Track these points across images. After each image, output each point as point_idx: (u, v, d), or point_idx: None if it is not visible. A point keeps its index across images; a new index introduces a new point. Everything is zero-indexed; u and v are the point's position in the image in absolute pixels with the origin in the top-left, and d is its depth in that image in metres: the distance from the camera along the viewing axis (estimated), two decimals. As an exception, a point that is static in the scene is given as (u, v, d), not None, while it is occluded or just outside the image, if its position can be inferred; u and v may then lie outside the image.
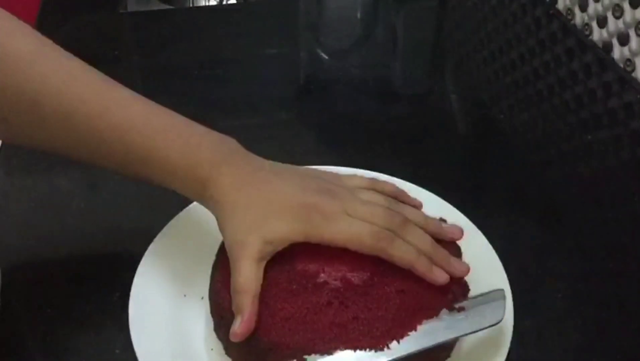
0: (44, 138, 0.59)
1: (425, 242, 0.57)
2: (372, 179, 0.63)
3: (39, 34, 0.59)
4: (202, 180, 0.57)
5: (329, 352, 0.52)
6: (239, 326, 0.52)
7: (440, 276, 0.56)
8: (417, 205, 0.63)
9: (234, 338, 0.53)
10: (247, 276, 0.53)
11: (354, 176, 0.63)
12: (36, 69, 0.57)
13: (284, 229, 0.55)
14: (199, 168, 0.57)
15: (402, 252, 0.56)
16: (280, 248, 0.55)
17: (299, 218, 0.55)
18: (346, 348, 0.52)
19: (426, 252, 0.57)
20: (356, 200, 0.58)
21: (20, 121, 0.58)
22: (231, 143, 0.59)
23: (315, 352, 0.52)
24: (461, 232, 0.62)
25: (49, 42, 0.59)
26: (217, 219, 0.57)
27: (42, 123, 0.57)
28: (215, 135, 0.59)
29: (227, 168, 0.57)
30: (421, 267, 0.55)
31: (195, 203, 0.68)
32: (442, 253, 0.58)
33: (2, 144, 0.81)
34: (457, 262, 0.58)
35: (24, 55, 0.57)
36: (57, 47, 0.59)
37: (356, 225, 0.56)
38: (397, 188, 0.63)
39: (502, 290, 0.57)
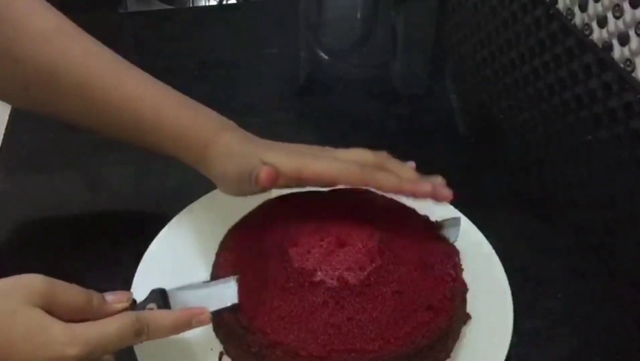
0: (61, 107, 0.64)
1: (410, 173, 0.61)
2: None
3: (57, 12, 0.63)
4: (205, 140, 0.62)
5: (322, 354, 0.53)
6: (267, 171, 0.57)
7: (425, 186, 0.59)
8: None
9: (259, 181, 0.57)
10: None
11: None
12: (55, 44, 0.61)
13: (279, 158, 0.59)
14: (204, 132, 0.62)
15: (387, 178, 0.60)
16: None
17: (293, 153, 0.60)
18: (339, 348, 0.52)
19: (410, 180, 0.61)
20: (343, 150, 0.62)
21: (39, 91, 0.62)
22: (231, 122, 0.65)
23: (309, 352, 0.52)
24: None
25: (67, 19, 0.64)
26: (212, 169, 0.61)
27: (60, 93, 0.62)
28: (217, 113, 0.65)
29: (228, 132, 0.63)
30: (406, 185, 0.60)
31: (194, 203, 0.68)
32: (426, 180, 0.61)
33: (2, 144, 0.81)
34: (442, 187, 0.61)
35: (45, 31, 0.62)
36: (75, 25, 0.64)
37: (343, 162, 0.60)
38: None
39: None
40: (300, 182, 0.60)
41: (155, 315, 0.52)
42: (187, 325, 0.52)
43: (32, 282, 0.47)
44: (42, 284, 0.47)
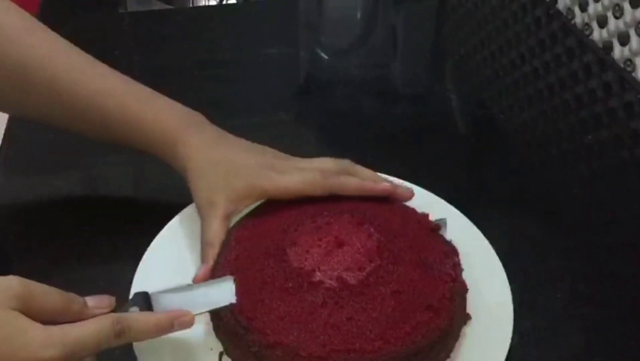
0: (31, 103, 0.65)
1: (370, 174, 0.65)
2: None
3: (25, 12, 0.65)
4: (173, 140, 0.64)
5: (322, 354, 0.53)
6: (201, 273, 0.59)
7: (385, 184, 0.64)
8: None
9: (195, 281, 0.59)
10: (215, 233, 0.61)
11: None
12: (26, 41, 0.63)
13: (244, 187, 0.62)
14: (171, 130, 0.64)
15: (349, 181, 0.64)
16: (244, 205, 0.62)
17: (257, 175, 0.62)
18: (339, 348, 0.52)
19: (371, 179, 0.65)
20: (306, 160, 0.65)
21: (10, 87, 0.64)
22: (198, 114, 0.66)
23: (309, 352, 0.52)
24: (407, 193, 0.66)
25: (34, 18, 0.65)
26: (186, 176, 0.63)
27: (30, 88, 0.63)
28: (183, 106, 0.66)
29: (195, 132, 0.64)
30: (367, 184, 0.64)
31: (194, 204, 0.68)
32: (387, 182, 0.65)
33: (2, 144, 0.81)
34: (402, 187, 0.66)
35: (15, 30, 0.63)
36: (41, 24, 0.65)
37: (307, 172, 0.63)
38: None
39: None
40: (267, 198, 0.62)
41: (137, 316, 0.51)
42: (170, 327, 0.52)
43: (9, 285, 0.46)
44: (19, 286, 0.46)
